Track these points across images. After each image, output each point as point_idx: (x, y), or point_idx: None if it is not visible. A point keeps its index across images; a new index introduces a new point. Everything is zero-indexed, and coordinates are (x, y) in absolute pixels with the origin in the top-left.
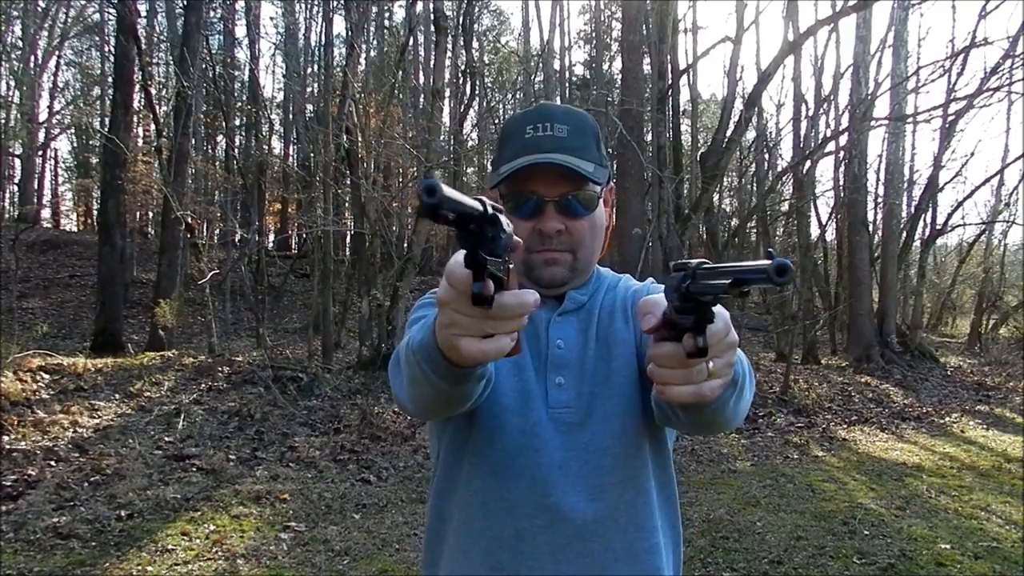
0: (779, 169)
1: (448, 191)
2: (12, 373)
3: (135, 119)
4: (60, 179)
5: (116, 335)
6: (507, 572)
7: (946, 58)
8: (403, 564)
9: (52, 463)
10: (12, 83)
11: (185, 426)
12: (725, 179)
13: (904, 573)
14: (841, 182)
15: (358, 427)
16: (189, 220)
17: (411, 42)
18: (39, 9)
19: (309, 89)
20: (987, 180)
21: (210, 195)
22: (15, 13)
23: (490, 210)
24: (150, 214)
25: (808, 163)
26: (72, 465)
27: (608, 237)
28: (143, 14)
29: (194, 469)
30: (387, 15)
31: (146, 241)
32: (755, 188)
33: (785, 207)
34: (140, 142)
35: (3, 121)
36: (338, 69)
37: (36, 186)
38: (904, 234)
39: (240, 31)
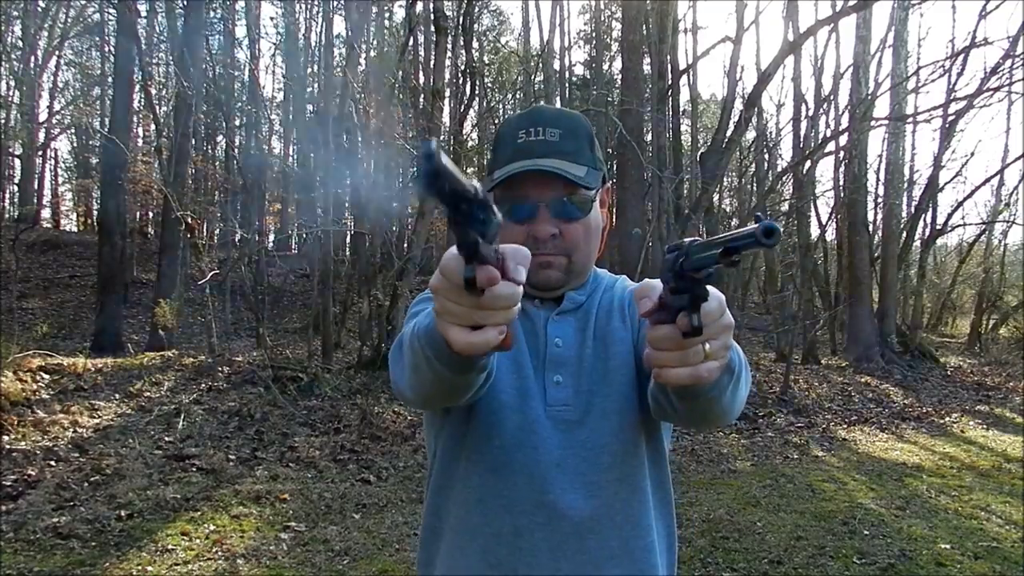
0: (779, 169)
1: (446, 160)
2: (12, 373)
3: (135, 119)
4: (60, 179)
5: (116, 335)
6: (505, 569)
7: (946, 58)
8: (403, 564)
9: (52, 463)
10: (12, 83)
11: (185, 426)
12: (725, 179)
13: (904, 573)
14: (841, 182)
15: (358, 427)
16: (189, 220)
17: (411, 42)
18: (39, 9)
19: (309, 89)
20: (987, 180)
21: (210, 195)
22: (15, 13)
23: (481, 194)
24: (150, 214)
25: (808, 163)
26: (72, 465)
27: (605, 238)
28: (143, 14)
29: (194, 469)
30: (387, 15)
31: (146, 241)
32: (755, 188)
33: (785, 207)
34: (140, 142)
35: (3, 121)
36: (338, 69)
37: (36, 186)
38: (904, 234)
39: (240, 31)
